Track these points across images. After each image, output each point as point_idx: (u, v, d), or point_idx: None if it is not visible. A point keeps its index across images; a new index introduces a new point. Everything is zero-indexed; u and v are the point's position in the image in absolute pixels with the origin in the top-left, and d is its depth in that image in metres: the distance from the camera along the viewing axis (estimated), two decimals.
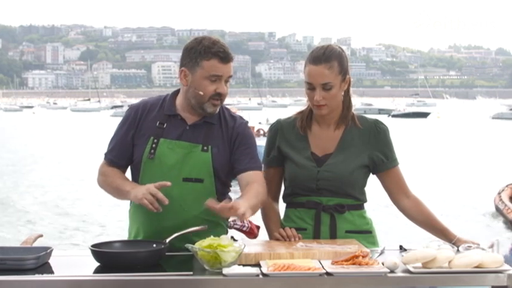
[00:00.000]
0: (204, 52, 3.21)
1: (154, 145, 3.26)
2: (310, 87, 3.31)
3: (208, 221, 3.25)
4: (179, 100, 3.36)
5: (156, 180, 3.19)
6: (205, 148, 3.26)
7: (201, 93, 3.23)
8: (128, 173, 3.45)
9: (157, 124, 3.31)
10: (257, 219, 3.49)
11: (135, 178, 3.34)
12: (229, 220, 3.38)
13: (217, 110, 3.29)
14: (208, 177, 3.25)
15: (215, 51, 3.21)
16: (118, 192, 3.31)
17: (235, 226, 3.37)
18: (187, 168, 3.24)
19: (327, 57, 3.29)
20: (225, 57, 3.22)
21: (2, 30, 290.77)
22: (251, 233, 3.37)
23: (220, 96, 3.25)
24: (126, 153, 3.36)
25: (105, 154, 3.43)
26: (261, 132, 28.27)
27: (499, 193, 17.73)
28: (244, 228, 3.37)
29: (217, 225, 3.30)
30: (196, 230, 3.12)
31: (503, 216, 16.35)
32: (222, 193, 3.33)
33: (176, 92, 3.41)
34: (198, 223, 3.20)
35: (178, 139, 3.27)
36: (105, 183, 3.38)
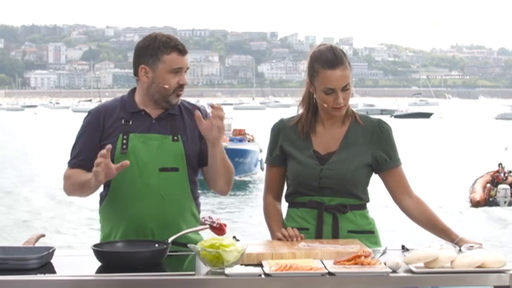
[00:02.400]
0: (163, 47, 3.32)
1: (125, 141, 3.30)
2: (329, 92, 3.31)
3: (184, 208, 3.34)
4: (139, 97, 3.41)
5: (133, 173, 3.26)
6: (175, 138, 3.33)
7: (167, 86, 3.32)
8: None
9: (123, 122, 3.35)
10: (223, 218, 3.57)
11: None
12: (201, 216, 3.46)
13: (179, 100, 3.38)
14: (182, 165, 3.33)
15: (174, 45, 3.32)
16: (83, 186, 3.27)
17: (206, 222, 3.43)
18: (162, 159, 3.30)
19: (340, 59, 3.30)
20: (183, 49, 3.34)
21: (4, 30, 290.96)
22: (220, 229, 3.42)
23: (182, 87, 3.35)
24: (93, 155, 3.24)
25: (69, 162, 3.41)
26: (248, 136, 28.20)
27: (476, 179, 20.58)
28: (214, 225, 3.44)
29: (191, 213, 3.38)
30: (198, 230, 3.14)
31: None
32: (193, 180, 3.40)
33: (133, 91, 3.46)
34: (179, 210, 3.30)
35: (148, 132, 3.33)
36: (70, 184, 3.36)
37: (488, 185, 19.62)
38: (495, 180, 19.85)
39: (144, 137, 3.31)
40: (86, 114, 3.47)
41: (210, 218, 3.46)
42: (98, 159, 3.06)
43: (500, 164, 20.44)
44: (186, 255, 3.02)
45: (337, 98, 3.30)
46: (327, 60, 3.30)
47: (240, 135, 28.08)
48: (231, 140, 26.89)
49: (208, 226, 3.33)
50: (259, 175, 25.59)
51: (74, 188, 3.36)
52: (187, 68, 3.38)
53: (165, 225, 3.25)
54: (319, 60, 3.33)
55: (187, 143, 3.34)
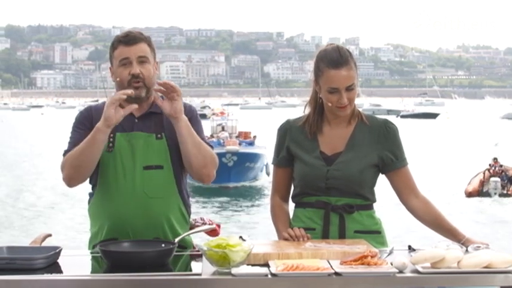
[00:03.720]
0: (113, 45, 3.41)
1: (111, 139, 3.32)
2: (333, 91, 3.31)
3: (171, 206, 3.35)
4: None
5: (117, 172, 3.29)
6: (159, 136, 3.36)
7: (118, 79, 3.37)
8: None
9: None
10: (218, 217, 3.55)
11: (95, 172, 3.32)
12: (191, 219, 3.47)
13: (143, 92, 3.36)
14: (167, 163, 3.35)
15: (118, 40, 3.39)
16: (87, 147, 3.21)
17: (197, 224, 3.44)
18: (146, 157, 3.33)
19: (346, 59, 3.31)
20: (127, 40, 3.36)
21: (10, 30, 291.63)
22: (213, 230, 3.42)
23: (137, 78, 3.34)
24: None
25: (66, 151, 3.34)
26: (252, 136, 27.16)
27: (478, 173, 21.70)
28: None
29: (179, 211, 3.38)
30: (206, 230, 3.15)
31: None
32: (179, 178, 3.40)
33: None
34: (165, 208, 3.31)
35: (131, 131, 3.35)
36: (72, 160, 3.26)
37: (481, 178, 21.14)
38: (491, 173, 21.28)
39: (130, 136, 3.34)
40: (78, 113, 3.50)
41: (201, 219, 3.51)
42: (126, 91, 3.16)
43: (495, 159, 21.80)
44: (193, 255, 3.03)
45: (341, 98, 3.31)
46: (332, 60, 3.31)
47: (246, 138, 27.12)
48: (240, 143, 25.25)
49: (214, 226, 3.34)
50: (262, 181, 24.45)
51: (79, 159, 3.24)
52: (142, 57, 3.34)
53: (151, 223, 3.28)
54: (324, 60, 3.34)
55: (171, 141, 3.36)
